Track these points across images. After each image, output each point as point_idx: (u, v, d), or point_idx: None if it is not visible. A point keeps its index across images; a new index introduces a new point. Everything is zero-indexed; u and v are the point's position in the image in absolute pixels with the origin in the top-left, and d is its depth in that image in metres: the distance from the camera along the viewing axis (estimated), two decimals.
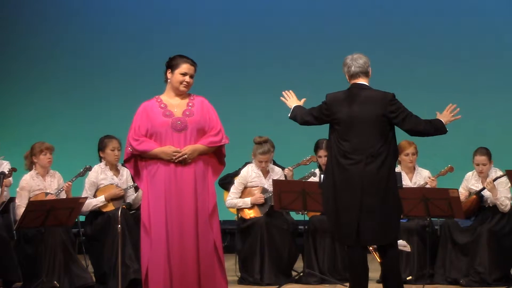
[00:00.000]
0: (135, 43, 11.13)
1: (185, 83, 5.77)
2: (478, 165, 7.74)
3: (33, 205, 7.04)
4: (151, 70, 10.58)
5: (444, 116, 5.92)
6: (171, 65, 5.81)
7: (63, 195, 7.64)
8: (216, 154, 5.84)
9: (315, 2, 11.05)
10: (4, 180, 7.47)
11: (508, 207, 7.66)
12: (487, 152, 7.75)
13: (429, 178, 7.86)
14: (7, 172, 7.51)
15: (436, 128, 5.85)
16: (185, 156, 5.66)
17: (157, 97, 5.85)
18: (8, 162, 7.87)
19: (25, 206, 7.34)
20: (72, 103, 11.08)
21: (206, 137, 5.76)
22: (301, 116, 6.00)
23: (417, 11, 10.84)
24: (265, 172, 8.12)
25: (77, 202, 7.20)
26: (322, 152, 8.01)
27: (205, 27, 11.06)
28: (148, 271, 5.67)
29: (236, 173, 8.24)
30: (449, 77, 10.65)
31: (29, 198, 7.54)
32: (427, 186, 7.77)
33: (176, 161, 5.66)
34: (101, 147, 7.77)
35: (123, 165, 7.77)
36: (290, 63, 10.86)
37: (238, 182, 8.10)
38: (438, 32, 10.75)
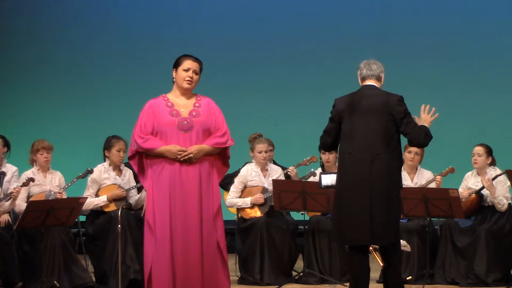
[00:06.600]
0: (135, 43, 11.14)
1: (188, 78, 5.73)
2: (474, 155, 7.76)
3: (33, 205, 7.03)
4: (151, 70, 10.69)
5: (425, 120, 5.91)
6: (175, 64, 5.80)
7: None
8: (221, 155, 5.82)
9: (316, 2, 11.05)
10: (15, 189, 7.39)
11: (506, 206, 7.67)
12: (485, 145, 7.78)
13: (436, 175, 7.85)
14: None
15: (429, 138, 5.84)
16: (191, 155, 5.65)
17: (163, 95, 5.82)
18: (17, 168, 7.72)
19: (24, 200, 7.41)
20: (72, 103, 11.08)
21: (212, 138, 5.74)
22: (320, 144, 6.06)
23: (418, 11, 10.85)
24: (265, 171, 8.13)
25: (77, 202, 7.20)
26: None
27: (206, 27, 11.06)
28: (152, 270, 5.64)
29: (236, 173, 8.24)
30: (449, 77, 10.65)
31: (29, 193, 7.59)
32: (434, 183, 7.78)
33: (181, 160, 5.65)
34: (107, 146, 7.78)
35: (126, 165, 7.79)
36: (290, 63, 10.85)
37: (238, 181, 8.10)
38: (438, 32, 10.75)
